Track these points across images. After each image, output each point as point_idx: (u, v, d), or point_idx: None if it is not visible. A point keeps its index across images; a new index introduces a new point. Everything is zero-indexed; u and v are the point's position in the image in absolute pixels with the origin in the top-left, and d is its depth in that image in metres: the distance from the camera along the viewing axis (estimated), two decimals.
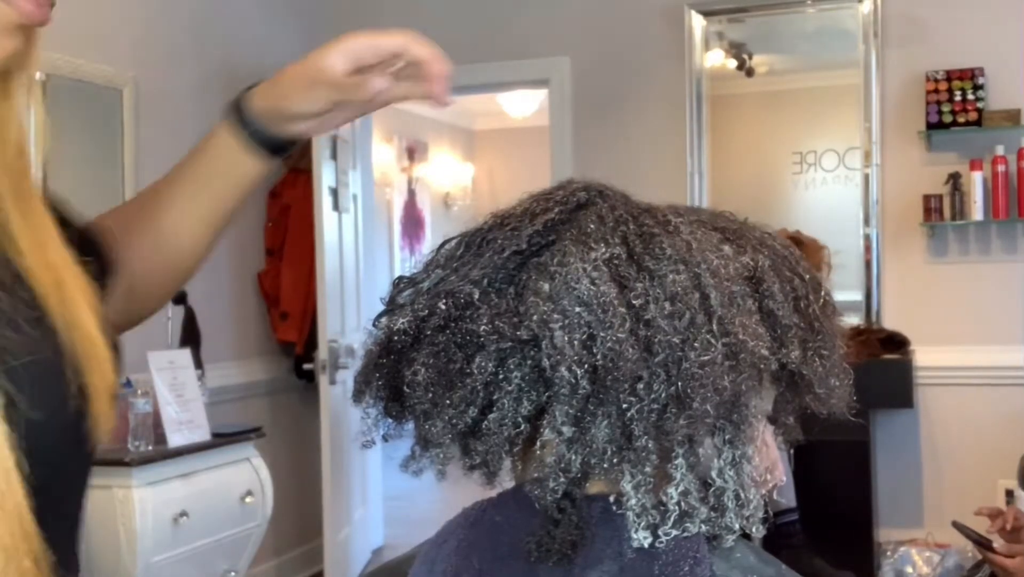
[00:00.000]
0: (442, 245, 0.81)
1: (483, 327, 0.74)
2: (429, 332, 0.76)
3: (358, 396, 0.82)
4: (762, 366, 0.75)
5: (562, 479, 0.74)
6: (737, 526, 0.75)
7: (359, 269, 4.34)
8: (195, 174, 0.97)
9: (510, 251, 0.76)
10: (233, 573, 3.13)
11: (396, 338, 0.78)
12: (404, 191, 7.29)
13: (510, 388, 0.74)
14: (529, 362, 0.73)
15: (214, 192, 0.97)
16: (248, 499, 3.15)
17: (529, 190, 0.85)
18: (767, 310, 0.77)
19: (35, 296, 0.70)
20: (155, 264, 0.97)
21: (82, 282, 0.74)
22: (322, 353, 3.90)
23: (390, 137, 6.97)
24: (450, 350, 0.75)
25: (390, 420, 0.82)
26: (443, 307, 0.76)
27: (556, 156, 4.25)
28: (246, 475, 3.20)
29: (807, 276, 0.81)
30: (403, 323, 0.77)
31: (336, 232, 4.02)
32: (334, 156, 4.04)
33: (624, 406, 0.72)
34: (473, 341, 0.74)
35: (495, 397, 0.74)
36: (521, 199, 0.82)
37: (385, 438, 0.83)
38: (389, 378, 0.79)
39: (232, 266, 4.06)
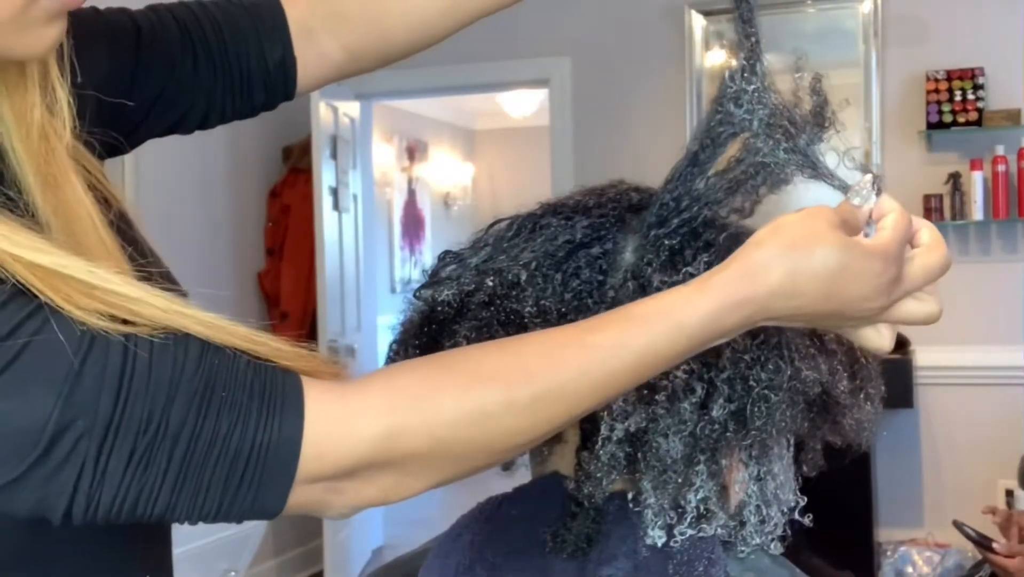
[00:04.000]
0: (492, 225, 0.83)
1: (528, 308, 0.76)
2: (473, 307, 0.78)
3: (392, 363, 0.83)
4: (814, 391, 0.76)
5: (613, 476, 0.75)
6: (756, 541, 0.75)
7: (359, 269, 4.34)
8: None
9: (563, 239, 0.77)
10: (233, 573, 3.13)
11: (439, 309, 0.79)
12: (404, 191, 7.28)
13: None
14: None
15: None
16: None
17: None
18: (816, 335, 0.78)
19: None
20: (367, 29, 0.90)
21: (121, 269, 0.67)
22: (322, 353, 3.90)
23: (390, 137, 6.97)
24: (493, 327, 0.77)
25: None
26: (490, 284, 0.78)
27: (556, 156, 4.25)
28: None
29: None
30: (448, 295, 0.79)
31: (336, 232, 4.02)
32: (334, 156, 4.04)
33: (685, 418, 0.73)
34: (516, 321, 0.76)
35: None
36: (572, 192, 0.83)
37: None
38: (427, 348, 0.81)
39: (232, 266, 4.06)
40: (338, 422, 0.61)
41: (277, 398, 0.60)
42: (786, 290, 0.66)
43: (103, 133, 0.78)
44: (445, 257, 0.83)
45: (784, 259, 0.66)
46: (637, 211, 0.79)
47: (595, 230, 0.78)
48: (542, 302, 0.76)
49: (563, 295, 0.76)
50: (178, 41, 0.85)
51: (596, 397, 0.66)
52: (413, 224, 7.36)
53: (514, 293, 0.77)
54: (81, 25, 0.81)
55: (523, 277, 0.77)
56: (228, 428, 0.58)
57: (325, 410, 0.61)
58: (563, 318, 0.75)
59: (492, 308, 0.77)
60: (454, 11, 0.91)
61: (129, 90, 0.83)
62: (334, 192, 4.02)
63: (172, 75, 0.85)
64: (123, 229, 0.72)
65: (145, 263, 0.68)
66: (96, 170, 0.73)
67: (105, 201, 0.71)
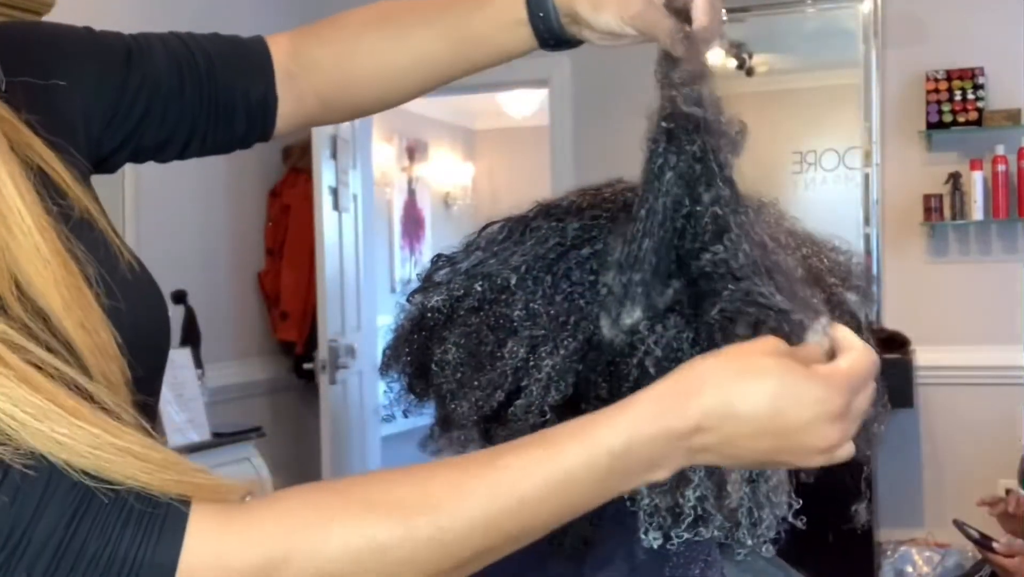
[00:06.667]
0: (484, 228, 0.83)
1: (517, 312, 0.75)
2: (463, 312, 0.78)
3: (385, 369, 0.83)
4: None
5: None
6: (748, 543, 0.75)
7: (359, 269, 4.33)
8: (451, 16, 0.89)
9: (553, 242, 0.77)
10: None
11: (429, 315, 0.79)
12: (404, 191, 7.27)
13: (540, 376, 0.74)
14: (561, 352, 0.73)
15: (462, 44, 0.91)
16: (248, 499, 3.15)
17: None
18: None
19: None
20: (340, 81, 0.92)
21: (54, 272, 0.64)
22: (322, 353, 3.90)
23: (390, 137, 6.96)
24: (482, 332, 0.77)
25: (412, 397, 0.83)
26: (479, 289, 0.77)
27: (556, 156, 4.24)
28: (246, 475, 3.20)
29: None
30: (437, 300, 0.78)
31: (336, 232, 4.02)
32: (334, 156, 4.03)
33: None
34: (506, 325, 0.76)
35: (524, 383, 0.75)
36: (567, 192, 0.83)
37: (405, 414, 0.84)
38: (418, 354, 0.81)
39: (232, 266, 4.06)
40: (216, 553, 0.59)
41: (155, 526, 0.58)
42: (719, 409, 0.60)
43: (86, 148, 0.79)
44: (438, 260, 0.83)
45: (719, 377, 0.61)
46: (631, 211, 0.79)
47: (586, 232, 0.77)
48: (531, 305, 0.75)
49: (553, 297, 0.75)
50: (165, 62, 0.87)
51: (510, 531, 0.61)
52: (413, 224, 7.36)
53: (503, 297, 0.76)
54: (74, 42, 0.83)
55: (513, 281, 0.76)
56: (95, 552, 0.56)
57: (205, 539, 0.59)
58: (553, 321, 0.74)
59: (481, 313, 0.77)
60: (419, 73, 0.92)
61: (116, 104, 0.84)
62: (334, 192, 4.02)
63: (158, 93, 0.86)
64: (83, 232, 0.70)
65: (84, 267, 0.66)
66: (59, 174, 0.72)
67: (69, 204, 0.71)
